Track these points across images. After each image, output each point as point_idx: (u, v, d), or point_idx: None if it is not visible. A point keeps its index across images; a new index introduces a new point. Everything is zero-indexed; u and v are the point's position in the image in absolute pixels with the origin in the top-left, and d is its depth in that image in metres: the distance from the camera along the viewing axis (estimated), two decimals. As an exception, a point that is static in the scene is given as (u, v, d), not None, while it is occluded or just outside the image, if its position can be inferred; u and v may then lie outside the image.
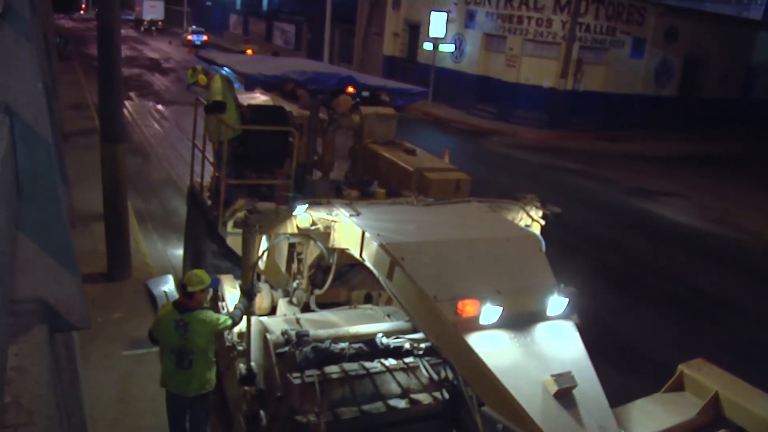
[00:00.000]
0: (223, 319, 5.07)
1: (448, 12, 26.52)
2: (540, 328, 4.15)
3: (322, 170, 7.68)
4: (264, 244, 5.46)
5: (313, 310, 5.94)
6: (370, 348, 5.14)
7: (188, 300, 5.04)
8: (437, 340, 4.19)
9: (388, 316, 5.87)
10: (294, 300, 6.05)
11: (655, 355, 8.21)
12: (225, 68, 7.46)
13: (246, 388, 5.15)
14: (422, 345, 5.22)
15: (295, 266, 6.09)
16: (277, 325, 5.33)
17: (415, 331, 5.28)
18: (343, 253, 5.21)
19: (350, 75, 6.94)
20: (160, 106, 22.50)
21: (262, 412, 4.97)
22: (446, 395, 5.13)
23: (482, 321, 3.95)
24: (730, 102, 28.32)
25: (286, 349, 4.91)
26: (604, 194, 16.31)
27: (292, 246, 6.00)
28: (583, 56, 23.83)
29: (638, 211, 15.09)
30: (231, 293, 6.00)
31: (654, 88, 25.80)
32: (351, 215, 4.95)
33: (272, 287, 6.36)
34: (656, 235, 13.58)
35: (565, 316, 4.29)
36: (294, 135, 6.44)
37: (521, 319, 4.12)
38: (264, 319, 5.53)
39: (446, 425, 5.14)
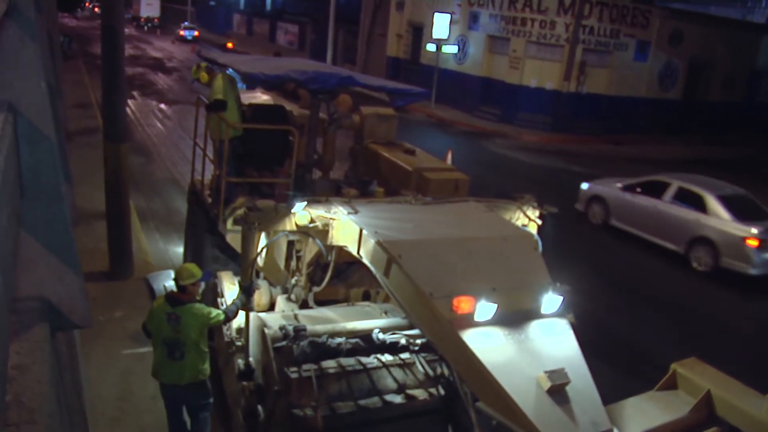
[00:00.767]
0: (215, 313, 5.08)
1: (451, 13, 26.52)
2: (534, 326, 4.20)
3: (323, 169, 7.73)
4: (263, 241, 5.51)
5: (311, 307, 5.99)
6: (366, 344, 5.19)
7: (180, 293, 5.08)
8: (433, 336, 4.24)
9: (385, 313, 5.92)
10: (292, 297, 6.11)
11: (649, 355, 8.24)
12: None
13: (244, 383, 5.21)
14: (418, 341, 5.27)
15: (293, 263, 6.15)
16: (275, 320, 5.38)
17: (411, 327, 5.32)
18: (341, 250, 5.25)
19: (350, 75, 6.98)
20: (163, 106, 22.54)
21: (260, 407, 5.02)
22: (442, 391, 5.18)
23: (477, 318, 4.01)
24: (735, 106, 28.22)
25: (284, 343, 4.96)
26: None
27: (291, 243, 6.07)
28: (587, 59, 23.79)
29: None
30: (230, 289, 6.06)
31: (658, 91, 25.72)
32: (349, 213, 5.00)
33: (271, 284, 6.42)
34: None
35: (559, 314, 4.34)
36: (294, 134, 6.48)
37: (516, 316, 4.17)
38: (262, 315, 5.59)
39: (441, 421, 5.18)
